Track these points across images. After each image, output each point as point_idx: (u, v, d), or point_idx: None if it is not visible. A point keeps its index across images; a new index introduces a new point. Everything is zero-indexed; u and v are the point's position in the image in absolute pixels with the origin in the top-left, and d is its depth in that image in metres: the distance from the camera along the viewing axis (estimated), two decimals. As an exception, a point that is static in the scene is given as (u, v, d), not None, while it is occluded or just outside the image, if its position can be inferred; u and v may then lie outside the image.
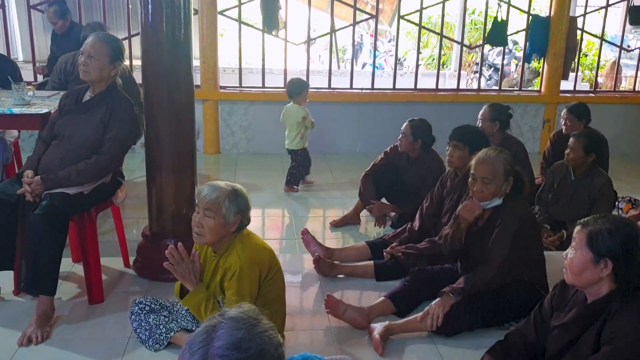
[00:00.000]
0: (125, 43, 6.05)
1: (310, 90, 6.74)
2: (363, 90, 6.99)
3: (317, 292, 3.57)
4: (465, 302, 3.06)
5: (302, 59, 7.01)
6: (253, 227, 4.45)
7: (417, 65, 7.22)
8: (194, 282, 2.59)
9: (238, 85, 6.82)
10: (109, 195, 3.44)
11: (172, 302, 2.97)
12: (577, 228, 2.15)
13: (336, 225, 4.63)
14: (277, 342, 1.31)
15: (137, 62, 3.53)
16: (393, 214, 4.60)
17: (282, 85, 6.75)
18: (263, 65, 6.70)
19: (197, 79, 6.51)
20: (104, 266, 3.57)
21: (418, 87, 7.06)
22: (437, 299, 3.08)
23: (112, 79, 3.31)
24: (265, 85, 6.82)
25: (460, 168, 3.79)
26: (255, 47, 6.87)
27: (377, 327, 3.01)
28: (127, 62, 4.46)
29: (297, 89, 5.39)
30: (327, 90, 6.87)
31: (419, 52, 7.24)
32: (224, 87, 6.75)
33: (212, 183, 2.58)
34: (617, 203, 4.72)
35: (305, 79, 6.71)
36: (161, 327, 2.85)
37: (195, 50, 6.57)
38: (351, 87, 6.96)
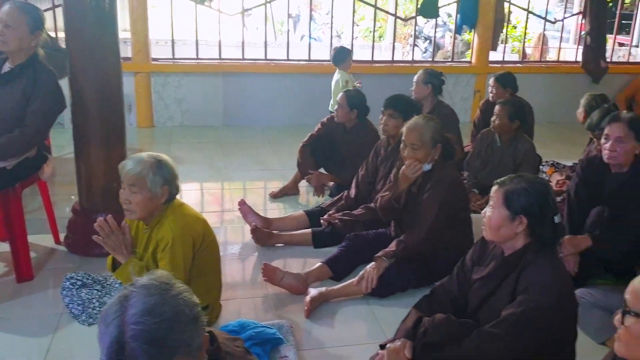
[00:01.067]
0: (49, 15, 5.84)
1: (245, 61, 6.71)
2: (300, 62, 6.97)
3: (256, 261, 3.59)
4: (398, 264, 3.17)
5: (240, 30, 6.90)
6: (192, 201, 4.49)
7: (353, 37, 7.24)
8: (126, 255, 2.55)
9: (171, 57, 6.66)
10: (34, 170, 3.32)
11: (105, 276, 2.93)
12: (494, 187, 2.25)
13: (275, 196, 4.65)
14: (192, 303, 1.33)
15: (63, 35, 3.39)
16: (331, 183, 4.65)
17: (218, 57, 6.68)
18: (196, 36, 6.57)
19: (127, 51, 6.38)
20: (34, 244, 3.47)
21: (354, 58, 7.09)
22: (372, 263, 3.17)
23: (34, 50, 3.17)
24: (200, 57, 6.69)
25: (394, 136, 3.87)
26: (189, 18, 6.71)
27: (312, 292, 3.07)
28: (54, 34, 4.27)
29: (340, 56, 5.73)
30: (264, 61, 6.82)
31: (353, 24, 7.27)
32: (156, 59, 6.58)
33: (135, 156, 2.51)
34: (541, 167, 4.95)
35: (240, 50, 6.68)
36: (94, 301, 2.81)
37: (126, 22, 6.45)
38: (288, 59, 6.92)
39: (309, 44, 7.21)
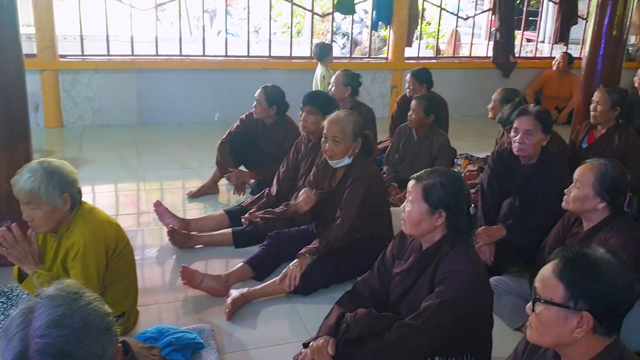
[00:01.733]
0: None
1: (160, 57, 6.51)
2: (217, 58, 6.84)
3: (174, 264, 3.48)
4: (320, 260, 3.17)
5: (153, 25, 6.68)
6: (105, 203, 4.31)
7: (270, 33, 7.19)
8: (33, 265, 2.39)
9: (80, 53, 6.36)
10: None
11: (11, 287, 2.74)
12: (412, 183, 2.29)
13: (194, 195, 4.53)
14: (103, 313, 1.27)
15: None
16: (252, 180, 4.59)
17: (130, 53, 6.44)
18: (107, 31, 6.30)
19: (32, 48, 6.03)
20: None
21: (272, 54, 7.05)
22: (295, 260, 3.15)
23: None
24: (111, 53, 6.42)
25: (314, 133, 3.87)
26: (98, 13, 6.42)
27: (233, 293, 3.01)
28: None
29: (323, 52, 6.12)
30: (179, 57, 6.63)
31: (271, 20, 7.21)
32: (64, 56, 6.26)
33: (23, 170, 2.33)
34: (455, 160, 5.11)
35: (154, 46, 6.48)
36: (-1, 314, 2.63)
37: (30, 17, 6.08)
38: (204, 55, 6.77)
39: (226, 39, 7.09)
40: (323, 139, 3.25)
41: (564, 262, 1.54)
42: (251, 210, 3.82)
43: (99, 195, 4.55)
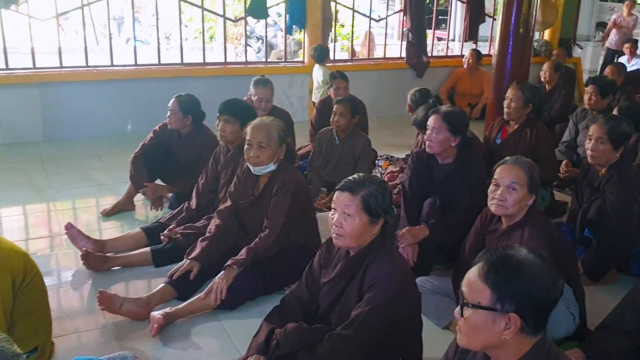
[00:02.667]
0: None
1: (64, 69, 6.19)
2: (126, 67, 6.56)
3: (90, 289, 3.27)
4: (246, 271, 3.07)
5: (56, 35, 6.32)
6: (13, 227, 4.01)
7: (182, 39, 6.99)
8: None
9: (-26, 67, 5.93)
10: None
11: None
12: (345, 195, 2.21)
13: (108, 214, 4.30)
14: (12, 353, 1.20)
15: None
16: (170, 194, 4.41)
17: (32, 66, 6.06)
18: (4, 44, 5.89)
19: None
20: None
21: (185, 61, 6.85)
22: (221, 273, 3.04)
23: None
24: (10, 67, 6.02)
25: (232, 142, 3.76)
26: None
27: (155, 314, 2.87)
28: None
29: (323, 54, 6.73)
30: (86, 68, 6.31)
31: (181, 26, 7.01)
32: (-43, 71, 5.81)
33: None
34: (377, 161, 5.13)
35: (58, 57, 6.15)
36: None
37: None
38: (112, 64, 6.48)
39: (135, 47, 6.82)
40: (247, 146, 3.16)
41: (489, 265, 1.55)
42: (170, 227, 3.66)
43: (5, 220, 4.24)
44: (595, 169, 3.57)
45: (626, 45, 9.25)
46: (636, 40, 9.62)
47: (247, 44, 7.70)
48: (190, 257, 3.19)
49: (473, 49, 8.05)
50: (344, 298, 2.30)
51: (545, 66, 6.58)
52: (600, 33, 12.12)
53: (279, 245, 3.15)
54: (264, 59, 7.94)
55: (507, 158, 2.77)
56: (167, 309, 2.92)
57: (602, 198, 3.43)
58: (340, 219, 2.20)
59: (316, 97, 6.54)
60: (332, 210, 2.27)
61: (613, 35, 10.17)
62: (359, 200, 2.18)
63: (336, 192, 2.26)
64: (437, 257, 3.48)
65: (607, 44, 10.37)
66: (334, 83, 5.37)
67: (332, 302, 2.34)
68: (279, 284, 3.18)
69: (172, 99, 4.26)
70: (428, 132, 3.39)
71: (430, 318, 2.98)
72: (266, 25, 7.74)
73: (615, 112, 4.20)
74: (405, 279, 2.21)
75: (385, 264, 2.18)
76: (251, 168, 3.20)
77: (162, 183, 4.45)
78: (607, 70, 6.81)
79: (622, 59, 9.28)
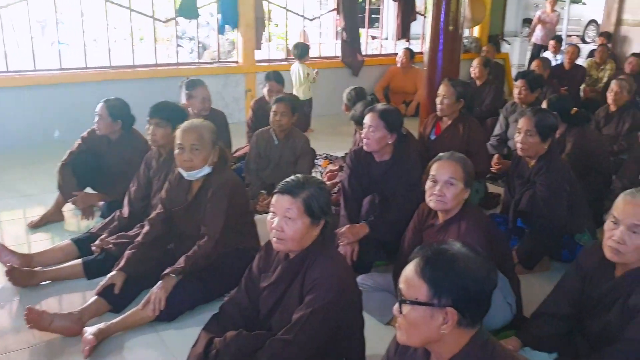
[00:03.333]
0: None
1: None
2: (51, 71, 6.28)
3: (17, 307, 3.09)
4: (184, 280, 2.98)
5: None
6: None
7: (110, 41, 6.75)
8: None
9: None
10: None
11: None
12: (286, 197, 2.16)
13: (36, 225, 4.10)
14: None
15: None
16: (101, 203, 4.24)
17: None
18: None
19: None
20: None
21: (113, 64, 6.62)
22: (158, 283, 2.94)
23: None
24: None
25: (164, 146, 3.65)
26: None
27: (89, 330, 2.73)
28: None
29: (304, 51, 6.93)
30: (6, 74, 6.00)
31: (108, 28, 6.77)
32: None
33: None
34: (316, 160, 5.13)
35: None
36: None
37: None
38: (35, 69, 6.19)
39: (59, 50, 6.53)
40: (177, 150, 3.05)
41: (425, 261, 1.56)
42: (102, 236, 3.50)
43: None
44: (525, 161, 3.67)
45: (551, 42, 9.61)
46: (560, 38, 10.00)
47: (178, 45, 7.53)
48: (116, 268, 3.07)
49: (406, 48, 8.17)
50: (285, 302, 2.26)
51: (475, 62, 6.74)
52: (527, 29, 12.55)
53: (219, 251, 3.06)
54: (197, 60, 7.77)
55: (441, 154, 2.80)
56: (101, 325, 2.78)
57: (533, 189, 3.53)
58: (281, 223, 2.15)
59: (298, 94, 6.62)
60: (271, 214, 2.21)
61: (538, 31, 10.53)
62: (301, 202, 2.14)
63: (275, 196, 2.21)
64: (378, 254, 3.49)
65: (533, 39, 10.74)
66: (268, 84, 5.32)
67: (272, 306, 2.30)
68: (219, 291, 3.09)
69: (100, 104, 4.09)
70: (365, 130, 3.40)
71: (373, 315, 2.98)
72: (197, 25, 7.59)
73: (544, 105, 4.34)
74: (345, 279, 2.19)
75: (326, 265, 2.16)
76: (183, 173, 3.10)
77: (92, 191, 4.27)
78: (534, 65, 7.05)
79: (547, 54, 9.64)
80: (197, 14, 7.06)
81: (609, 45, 9.41)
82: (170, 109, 3.70)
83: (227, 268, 3.08)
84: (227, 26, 7.29)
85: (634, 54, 8.13)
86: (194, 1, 6.84)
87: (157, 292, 2.90)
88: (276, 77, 5.30)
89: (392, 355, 1.81)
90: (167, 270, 2.96)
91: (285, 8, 7.84)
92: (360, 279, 3.09)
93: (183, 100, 4.66)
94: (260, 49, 7.56)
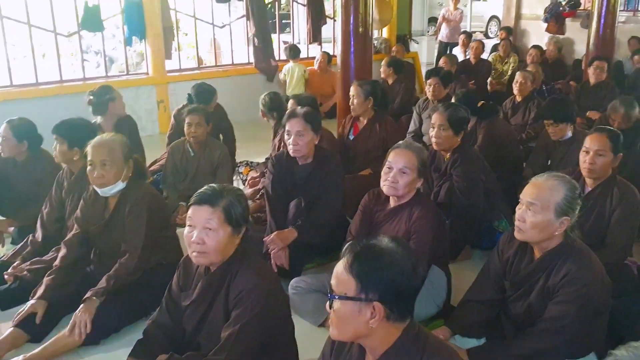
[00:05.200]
0: None
1: None
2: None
3: None
4: (107, 301, 2.87)
5: None
6: None
7: (9, 59, 6.39)
8: None
9: None
10: None
11: None
12: (205, 208, 2.10)
13: (-62, 257, 3.80)
14: None
15: None
16: (11, 229, 3.99)
17: None
18: None
19: None
20: None
21: (15, 83, 6.28)
22: (81, 306, 2.81)
23: None
24: None
25: (75, 164, 3.49)
26: None
27: (8, 365, 2.57)
28: None
29: (297, 52, 8.08)
30: None
31: (6, 44, 6.40)
32: None
33: None
34: (237, 168, 5.07)
35: None
36: None
37: None
38: None
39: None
40: (89, 166, 2.94)
41: (353, 257, 1.58)
42: (15, 264, 3.31)
43: None
44: (441, 155, 3.79)
45: (461, 37, 9.95)
46: (470, 33, 10.40)
47: (84, 59, 7.24)
48: (35, 296, 2.91)
49: (324, 52, 8.26)
50: (210, 318, 2.21)
51: (384, 62, 6.92)
52: (433, 27, 12.98)
53: (143, 268, 2.97)
54: (104, 74, 7.49)
55: (400, 142, 2.95)
56: (21, 357, 2.62)
57: (450, 181, 3.66)
58: (202, 235, 2.09)
59: (294, 92, 7.44)
60: (189, 227, 2.13)
61: (444, 29, 10.91)
62: (221, 211, 2.10)
63: (192, 207, 2.13)
64: (308, 257, 3.50)
65: (439, 37, 11.12)
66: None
67: (197, 324, 2.24)
68: (146, 310, 2.98)
69: (3, 125, 3.86)
70: (293, 136, 3.37)
71: (306, 318, 2.99)
72: (103, 38, 7.33)
73: (453, 100, 4.50)
74: (271, 287, 2.16)
75: (249, 276, 2.12)
76: (97, 190, 2.98)
77: (0, 217, 4.02)
78: (442, 62, 7.31)
79: (455, 50, 10.01)
80: (101, 26, 6.84)
81: (511, 39, 9.91)
82: (73, 126, 3.52)
83: (152, 285, 2.96)
84: (134, 37, 7.09)
85: (534, 46, 8.60)
86: (97, 13, 6.62)
87: (80, 316, 2.77)
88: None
89: (327, 355, 1.81)
90: (88, 294, 2.85)
91: (193, 17, 7.71)
92: (293, 282, 3.11)
93: (95, 114, 4.50)
94: (170, 58, 7.41)
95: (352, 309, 1.55)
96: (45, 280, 2.97)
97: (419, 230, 2.80)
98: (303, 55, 8.52)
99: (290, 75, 7.99)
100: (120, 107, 4.62)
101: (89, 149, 2.96)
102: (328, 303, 1.60)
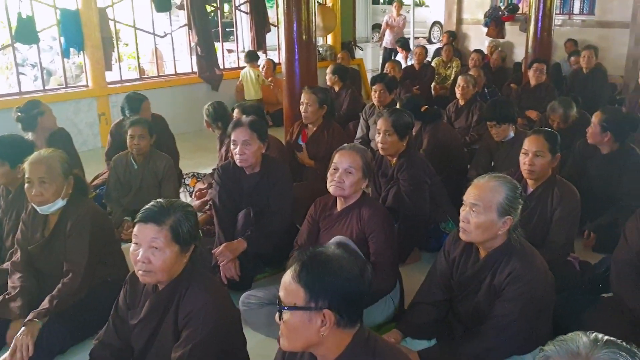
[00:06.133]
0: None
1: None
2: None
3: None
4: (50, 322, 2.77)
5: None
6: None
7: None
8: None
9: None
10: None
11: None
12: (150, 226, 2.03)
13: None
14: None
15: None
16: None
17: None
18: None
19: None
20: None
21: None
22: (22, 329, 2.70)
23: None
24: None
25: (8, 184, 3.34)
26: None
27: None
28: None
29: (255, 56, 8.32)
30: None
31: None
32: None
33: None
34: (183, 180, 4.98)
35: None
36: None
37: None
38: None
39: None
40: (27, 184, 2.83)
41: (301, 266, 1.57)
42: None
43: None
44: (387, 160, 3.83)
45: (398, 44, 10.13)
46: (407, 41, 10.57)
47: (20, 73, 6.99)
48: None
49: (269, 59, 8.24)
50: (159, 337, 2.15)
51: (329, 69, 6.95)
52: (377, 34, 13.14)
53: (86, 287, 2.88)
54: (42, 87, 7.24)
55: (344, 145, 2.99)
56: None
57: (397, 185, 3.70)
58: (147, 254, 2.01)
59: (250, 95, 7.94)
60: (134, 245, 2.06)
61: (388, 35, 11.08)
62: (167, 230, 2.02)
63: (137, 225, 2.06)
64: (259, 267, 3.47)
65: (384, 43, 11.28)
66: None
67: (146, 342, 2.18)
68: (92, 329, 2.87)
69: None
70: (239, 146, 3.33)
71: (262, 331, 2.95)
72: (39, 50, 7.08)
73: (398, 105, 4.55)
74: (222, 305, 2.12)
75: (199, 295, 2.07)
76: (37, 208, 2.87)
77: None
78: (387, 68, 7.39)
79: (399, 57, 10.17)
80: (36, 38, 6.60)
81: (453, 43, 10.14)
82: (6, 145, 3.36)
83: (98, 303, 2.87)
84: (72, 49, 6.88)
85: (476, 50, 8.82)
86: (32, 25, 6.39)
87: (22, 339, 2.65)
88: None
89: (278, 365, 1.79)
90: (30, 316, 2.74)
91: (133, 26, 7.55)
92: (244, 297, 3.05)
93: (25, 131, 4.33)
94: (111, 70, 7.23)
95: (302, 319, 1.54)
96: (20, 300, 2.87)
97: (375, 229, 2.84)
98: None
99: (247, 80, 8.07)
100: (50, 121, 4.44)
101: (26, 166, 2.85)
102: (277, 315, 1.58)
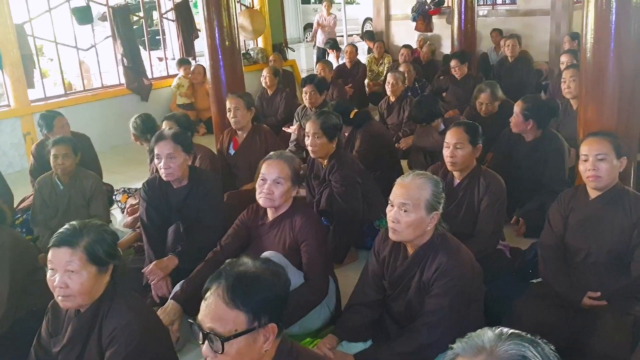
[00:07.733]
0: None
1: None
2: None
3: None
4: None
5: None
6: None
7: None
8: None
9: None
10: None
11: None
12: (64, 250, 1.97)
13: None
14: None
15: None
16: None
17: None
18: None
19: None
20: None
21: None
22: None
23: None
24: None
25: None
26: None
27: None
28: None
29: (187, 63, 8.17)
30: None
31: None
32: None
33: None
34: (114, 196, 4.83)
35: None
36: None
37: None
38: None
39: None
40: None
41: (231, 291, 1.51)
42: None
43: None
44: (319, 162, 3.81)
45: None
46: (336, 41, 10.60)
47: None
48: None
49: (199, 65, 8.09)
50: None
51: (265, 72, 6.89)
52: (310, 34, 13.14)
53: (10, 319, 2.75)
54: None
55: (271, 153, 2.91)
56: None
57: (329, 187, 3.69)
58: (64, 279, 1.96)
59: (182, 102, 8.06)
60: (50, 271, 2.00)
61: (320, 35, 11.10)
62: (82, 251, 1.97)
63: (51, 250, 2.00)
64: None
65: (316, 43, 11.29)
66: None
67: None
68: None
69: None
70: (164, 159, 3.23)
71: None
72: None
73: (328, 108, 4.54)
74: (146, 322, 2.07)
75: (122, 313, 2.02)
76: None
77: None
78: (318, 68, 7.40)
79: (331, 57, 10.18)
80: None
81: (384, 40, 10.24)
82: None
83: (23, 334, 2.72)
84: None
85: (405, 46, 8.94)
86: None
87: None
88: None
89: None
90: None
91: (54, 41, 7.27)
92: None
93: None
94: (33, 87, 6.95)
95: (248, 342, 1.50)
96: None
97: (307, 238, 2.79)
98: (177, 71, 8.33)
99: (179, 86, 8.04)
100: None
101: None
102: (211, 349, 1.48)
